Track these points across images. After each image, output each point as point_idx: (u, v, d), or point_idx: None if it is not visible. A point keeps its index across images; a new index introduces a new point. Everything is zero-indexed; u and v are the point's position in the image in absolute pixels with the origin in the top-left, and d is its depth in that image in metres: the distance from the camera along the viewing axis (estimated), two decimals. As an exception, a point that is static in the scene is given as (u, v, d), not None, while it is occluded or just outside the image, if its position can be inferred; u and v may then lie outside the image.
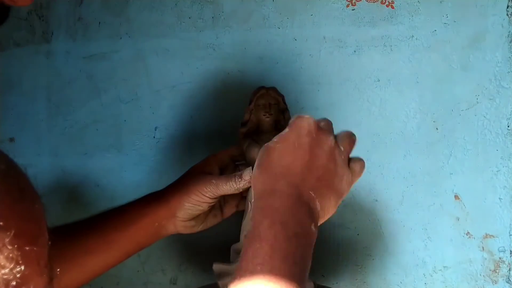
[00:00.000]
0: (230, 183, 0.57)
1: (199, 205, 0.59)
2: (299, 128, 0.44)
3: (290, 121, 0.46)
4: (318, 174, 0.42)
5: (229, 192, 0.58)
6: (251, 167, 0.57)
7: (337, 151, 0.44)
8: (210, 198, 0.58)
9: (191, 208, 0.59)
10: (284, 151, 0.43)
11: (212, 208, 0.63)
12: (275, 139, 0.45)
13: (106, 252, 0.58)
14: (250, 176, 0.56)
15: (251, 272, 0.34)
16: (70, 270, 0.54)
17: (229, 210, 0.66)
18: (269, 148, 0.44)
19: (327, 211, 0.44)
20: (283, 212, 0.39)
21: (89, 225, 0.59)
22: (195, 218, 0.62)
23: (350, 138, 0.47)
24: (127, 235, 0.59)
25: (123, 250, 0.59)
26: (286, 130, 0.45)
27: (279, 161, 0.43)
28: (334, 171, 0.43)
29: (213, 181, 0.58)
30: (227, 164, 0.65)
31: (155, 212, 0.60)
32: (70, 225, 0.59)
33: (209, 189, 0.57)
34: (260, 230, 0.38)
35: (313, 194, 0.41)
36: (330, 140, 0.44)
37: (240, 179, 0.57)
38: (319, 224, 0.42)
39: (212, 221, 0.65)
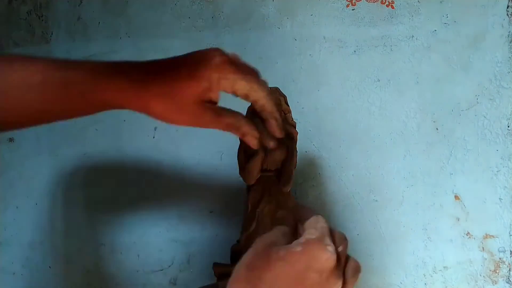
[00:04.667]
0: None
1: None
2: (314, 259, 0.35)
3: (306, 238, 0.37)
4: None
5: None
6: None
7: None
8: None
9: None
10: (281, 274, 0.35)
11: None
12: (281, 250, 0.36)
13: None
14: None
15: None
16: None
17: None
18: (269, 257, 0.36)
19: None
20: None
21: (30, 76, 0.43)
22: None
23: (356, 274, 0.39)
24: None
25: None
26: (298, 248, 0.36)
27: (270, 280, 0.35)
28: None
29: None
30: None
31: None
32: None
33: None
34: None
35: None
36: (337, 285, 0.36)
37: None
38: None
39: None
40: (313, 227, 0.39)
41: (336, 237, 0.39)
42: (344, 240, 0.39)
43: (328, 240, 0.37)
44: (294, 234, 0.42)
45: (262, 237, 0.40)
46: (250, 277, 0.36)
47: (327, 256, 0.35)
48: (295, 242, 0.37)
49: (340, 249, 0.38)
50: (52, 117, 0.46)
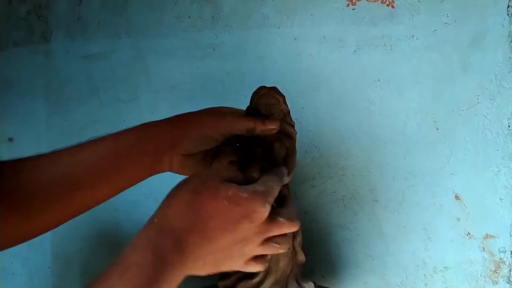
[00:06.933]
0: (248, 123, 0.52)
1: (206, 140, 0.52)
2: (252, 209, 0.41)
3: (254, 188, 0.42)
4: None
5: (241, 132, 0.52)
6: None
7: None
8: (220, 135, 0.51)
9: (197, 142, 0.52)
10: (222, 209, 0.40)
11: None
12: (230, 189, 0.41)
13: (96, 188, 0.51)
14: (275, 128, 0.54)
15: None
16: (53, 208, 0.51)
17: None
18: (218, 190, 0.41)
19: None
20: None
21: (76, 155, 0.52)
22: (194, 156, 0.54)
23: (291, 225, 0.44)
24: (120, 169, 0.52)
25: (114, 186, 0.53)
26: (244, 194, 0.41)
27: (211, 211, 0.41)
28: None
29: (229, 117, 0.51)
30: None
31: (155, 140, 0.53)
32: (50, 154, 0.52)
33: (222, 124, 0.51)
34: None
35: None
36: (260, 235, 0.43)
37: (262, 124, 0.52)
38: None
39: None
40: (263, 183, 0.43)
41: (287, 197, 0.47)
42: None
43: (270, 198, 0.42)
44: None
45: (216, 170, 0.44)
46: (192, 202, 0.41)
47: (263, 210, 0.41)
48: (245, 187, 0.41)
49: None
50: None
